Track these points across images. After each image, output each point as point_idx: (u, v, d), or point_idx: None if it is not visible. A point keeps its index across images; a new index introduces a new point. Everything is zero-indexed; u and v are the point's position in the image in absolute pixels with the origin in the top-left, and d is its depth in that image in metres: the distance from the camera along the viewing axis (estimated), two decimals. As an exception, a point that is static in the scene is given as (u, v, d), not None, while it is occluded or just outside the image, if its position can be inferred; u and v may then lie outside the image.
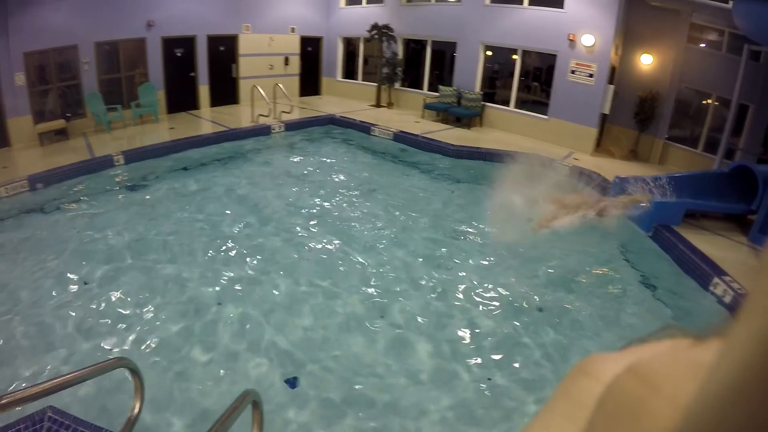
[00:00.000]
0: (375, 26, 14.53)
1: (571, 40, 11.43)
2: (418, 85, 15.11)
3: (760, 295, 0.20)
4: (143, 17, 13.13)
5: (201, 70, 14.32)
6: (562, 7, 11.64)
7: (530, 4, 12.26)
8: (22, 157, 11.01)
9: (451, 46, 14.00)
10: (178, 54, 13.91)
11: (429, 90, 14.66)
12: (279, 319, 5.03)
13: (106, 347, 4.61)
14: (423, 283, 5.80)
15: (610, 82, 11.34)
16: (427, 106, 13.62)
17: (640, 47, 11.28)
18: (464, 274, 6.03)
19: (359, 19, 15.51)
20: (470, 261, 6.41)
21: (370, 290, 5.58)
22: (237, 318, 5.03)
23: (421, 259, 6.34)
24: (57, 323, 4.82)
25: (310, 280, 5.70)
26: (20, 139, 11.85)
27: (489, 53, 13.53)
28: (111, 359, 3.13)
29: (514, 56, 12.85)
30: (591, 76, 11.27)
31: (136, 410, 3.12)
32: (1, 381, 4.20)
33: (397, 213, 7.72)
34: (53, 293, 5.31)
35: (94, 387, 4.00)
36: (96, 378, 3.36)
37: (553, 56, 11.96)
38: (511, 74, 12.99)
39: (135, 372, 3.10)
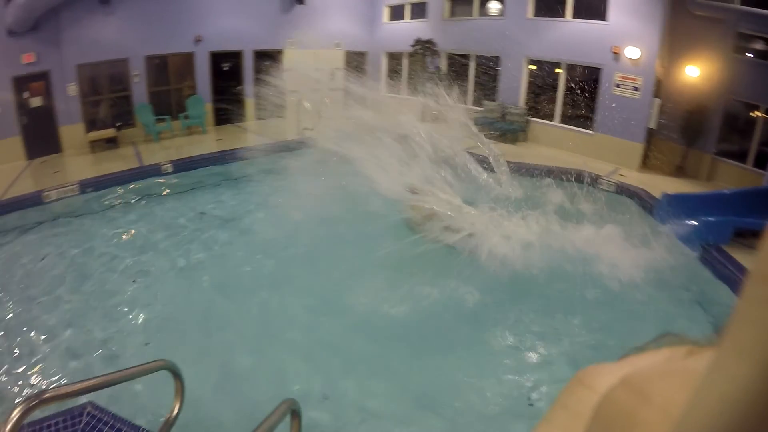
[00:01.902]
0: (418, 41, 15.51)
1: (615, 52, 11.82)
2: (462, 100, 15.15)
3: (750, 304, 0.22)
4: (192, 32, 14.57)
5: (247, 84, 15.86)
6: (605, 19, 12.04)
7: (573, 16, 12.68)
8: (73, 163, 12.38)
9: (495, 61, 14.55)
10: (225, 68, 15.47)
11: (473, 105, 15.11)
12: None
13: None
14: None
15: (656, 95, 11.59)
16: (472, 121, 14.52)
17: (685, 59, 11.45)
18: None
19: (403, 34, 16.45)
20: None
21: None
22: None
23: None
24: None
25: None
26: (72, 146, 13.33)
27: (533, 67, 13.95)
28: (154, 361, 3.31)
29: (558, 70, 13.28)
30: (636, 89, 11.61)
31: (175, 412, 3.31)
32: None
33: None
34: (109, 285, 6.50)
35: (134, 386, 4.35)
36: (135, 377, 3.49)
37: (598, 70, 12.32)
38: (555, 88, 13.41)
39: (176, 374, 3.28)
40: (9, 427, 2.14)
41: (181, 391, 3.28)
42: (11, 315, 5.98)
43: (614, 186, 10.17)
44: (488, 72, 14.97)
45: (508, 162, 10.78)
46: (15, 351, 5.36)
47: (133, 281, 6.59)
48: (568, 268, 6.10)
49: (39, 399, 2.31)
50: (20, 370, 5.13)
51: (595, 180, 10.43)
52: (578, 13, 12.59)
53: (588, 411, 0.35)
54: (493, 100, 14.45)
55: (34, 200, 9.58)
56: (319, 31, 16.49)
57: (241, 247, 7.66)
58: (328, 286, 6.12)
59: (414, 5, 16.50)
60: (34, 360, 5.24)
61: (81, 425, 3.79)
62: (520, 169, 10.67)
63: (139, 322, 5.82)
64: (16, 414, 2.18)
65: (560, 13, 12.89)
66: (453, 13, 15.62)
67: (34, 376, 5.03)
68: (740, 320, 0.22)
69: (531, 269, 6.02)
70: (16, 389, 4.87)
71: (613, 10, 11.87)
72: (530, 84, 14.08)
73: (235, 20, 15.17)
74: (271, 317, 5.74)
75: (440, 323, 5.61)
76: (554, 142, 13.18)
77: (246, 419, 4.11)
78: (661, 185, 9.81)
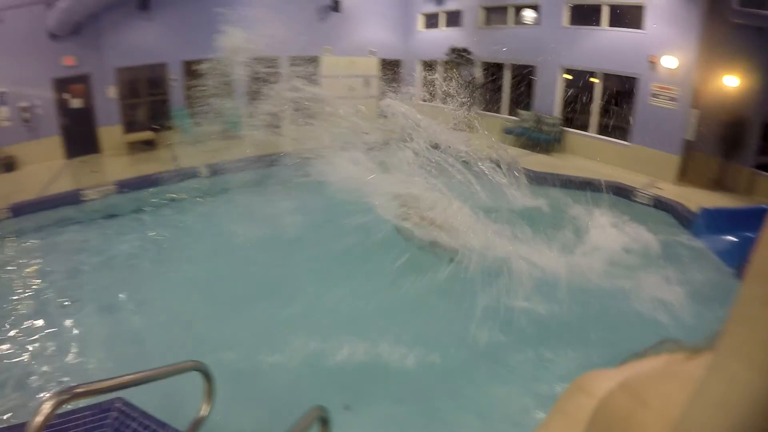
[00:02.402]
0: (453, 49, 15.77)
1: (652, 62, 11.74)
2: (496, 109, 15.80)
3: (747, 304, 0.22)
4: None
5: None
6: (642, 28, 11.97)
7: (609, 25, 12.63)
8: (112, 163, 12.98)
9: (530, 70, 14.59)
10: (262, 74, 15.98)
11: (508, 114, 15.37)
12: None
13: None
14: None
15: (694, 106, 11.39)
16: (507, 131, 14.35)
17: (724, 68, 11.16)
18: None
19: (437, 42, 16.71)
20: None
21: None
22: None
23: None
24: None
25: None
26: (110, 146, 13.95)
27: (568, 76, 13.96)
28: (186, 361, 3.38)
29: (594, 79, 13.21)
30: (673, 99, 11.50)
31: (205, 412, 3.40)
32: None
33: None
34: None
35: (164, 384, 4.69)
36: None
37: (634, 79, 12.24)
38: (591, 98, 13.33)
39: (207, 376, 3.35)
40: (41, 418, 2.18)
41: (211, 392, 3.37)
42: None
43: (650, 199, 10.13)
44: (523, 81, 15.04)
45: (545, 173, 10.99)
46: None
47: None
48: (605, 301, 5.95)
49: (71, 393, 2.37)
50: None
51: (630, 192, 10.50)
52: (614, 22, 12.57)
53: (586, 416, 0.37)
54: (528, 110, 14.53)
55: (72, 198, 10.26)
56: (353, 38, 16.95)
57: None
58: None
59: (449, 13, 16.73)
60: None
61: (109, 420, 3.93)
62: (551, 180, 10.68)
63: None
64: (48, 406, 2.23)
65: (596, 22, 12.89)
66: (488, 22, 15.76)
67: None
68: (737, 320, 0.22)
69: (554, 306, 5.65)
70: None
71: (650, 18, 11.81)
72: (565, 93, 14.09)
73: (271, 27, 15.67)
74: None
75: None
76: (589, 152, 13.12)
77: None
78: (698, 199, 9.73)
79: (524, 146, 13.95)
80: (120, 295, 6.65)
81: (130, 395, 3.84)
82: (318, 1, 16.39)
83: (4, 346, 5.86)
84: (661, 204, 9.93)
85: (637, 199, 10.30)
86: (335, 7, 16.48)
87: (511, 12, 14.99)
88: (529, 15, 14.49)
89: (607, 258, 6.75)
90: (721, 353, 0.23)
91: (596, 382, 0.40)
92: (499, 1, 15.10)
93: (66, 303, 6.60)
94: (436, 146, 9.99)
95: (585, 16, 13.22)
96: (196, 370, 3.30)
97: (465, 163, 9.60)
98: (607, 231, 7.36)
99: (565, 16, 13.57)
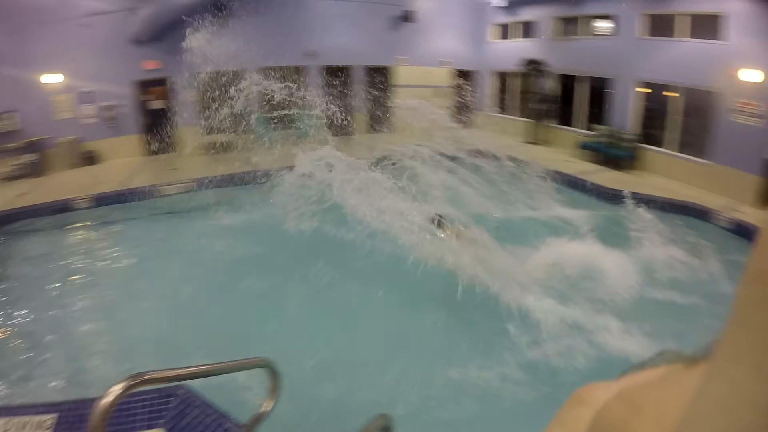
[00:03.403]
0: (526, 60, 15.95)
1: (733, 75, 11.34)
2: (570, 123, 15.80)
3: (744, 306, 0.23)
4: (304, 47, 16.23)
5: (357, 99, 17.12)
6: (723, 39, 11.58)
7: (688, 36, 12.29)
8: (190, 162, 14.12)
9: (605, 82, 14.49)
10: (337, 82, 16.97)
11: (583, 128, 15.28)
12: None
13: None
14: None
15: None
16: (582, 146, 14.32)
17: None
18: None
19: (511, 53, 16.98)
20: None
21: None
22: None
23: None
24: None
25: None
26: (189, 147, 15.13)
27: (645, 90, 13.69)
28: (254, 358, 3.48)
29: (671, 93, 12.92)
30: (757, 116, 11.05)
31: (267, 409, 3.45)
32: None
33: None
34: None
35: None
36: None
37: (714, 94, 11.82)
38: (668, 113, 13.02)
39: (275, 373, 3.41)
40: (110, 399, 2.30)
41: (276, 390, 3.43)
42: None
43: (729, 223, 9.86)
44: (598, 94, 14.98)
45: (618, 190, 10.61)
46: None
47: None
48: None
49: (141, 378, 2.47)
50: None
51: (707, 215, 10.36)
52: (693, 32, 12.21)
53: (585, 427, 0.39)
54: (603, 124, 14.44)
55: (150, 193, 11.52)
56: (426, 49, 17.61)
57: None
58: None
59: (522, 24, 17.01)
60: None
61: (171, 405, 4.15)
62: (624, 198, 10.18)
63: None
64: (117, 389, 2.33)
65: (673, 33, 12.63)
66: (562, 33, 15.86)
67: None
68: (736, 323, 0.23)
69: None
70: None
71: (732, 28, 11.42)
72: (641, 108, 13.89)
73: (346, 36, 16.62)
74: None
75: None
76: (665, 170, 12.88)
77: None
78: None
79: (599, 162, 13.87)
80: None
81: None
82: (391, 11, 17.10)
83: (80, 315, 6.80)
84: (740, 229, 9.56)
85: (715, 222, 10.12)
86: (408, 17, 17.14)
87: (585, 22, 15.04)
88: (603, 25, 14.49)
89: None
90: (720, 356, 0.24)
91: (595, 394, 0.43)
92: (573, 11, 15.12)
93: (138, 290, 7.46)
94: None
95: (662, 26, 13.00)
96: (263, 367, 3.39)
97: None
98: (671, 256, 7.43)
99: (641, 26, 13.42)
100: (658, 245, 7.84)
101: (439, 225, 7.83)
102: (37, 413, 4.33)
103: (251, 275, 7.63)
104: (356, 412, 4.14)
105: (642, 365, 0.43)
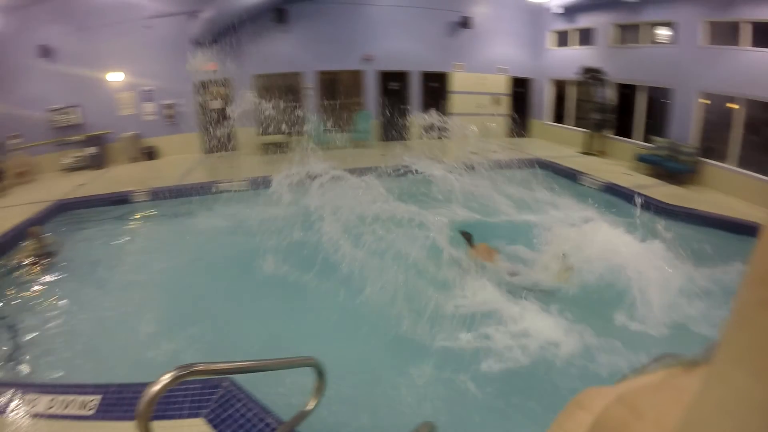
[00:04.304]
0: (585, 69, 15.79)
1: None
2: (628, 134, 15.40)
3: (744, 308, 0.23)
4: (362, 52, 16.48)
5: (414, 104, 17.33)
6: None
7: (752, 44, 11.79)
8: (246, 161, 14.87)
9: (665, 93, 14.07)
10: (393, 87, 17.13)
11: (642, 140, 14.86)
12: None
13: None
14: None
15: None
16: (640, 158, 13.89)
17: None
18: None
19: (568, 61, 16.83)
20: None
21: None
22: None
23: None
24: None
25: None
26: (246, 146, 15.95)
27: (705, 101, 13.23)
28: (301, 357, 3.54)
29: (733, 105, 12.44)
30: None
31: (310, 407, 3.51)
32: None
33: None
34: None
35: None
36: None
37: None
38: (730, 126, 12.50)
39: (321, 373, 3.46)
40: (159, 387, 2.39)
41: (321, 389, 3.49)
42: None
43: None
44: (657, 105, 14.67)
45: (678, 207, 10.54)
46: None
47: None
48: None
49: (190, 369, 2.58)
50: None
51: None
52: (759, 41, 11.69)
53: None
54: (662, 136, 14.09)
55: (207, 189, 12.06)
56: (483, 55, 17.74)
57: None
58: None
59: (581, 31, 16.89)
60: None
61: (216, 396, 4.26)
62: (683, 215, 10.33)
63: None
64: (167, 378, 2.43)
65: (737, 41, 12.16)
66: (621, 40, 15.63)
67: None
68: (736, 325, 0.23)
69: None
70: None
71: None
72: (702, 120, 13.41)
73: (403, 42, 16.84)
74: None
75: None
76: (727, 187, 12.35)
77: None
78: None
79: (657, 175, 13.47)
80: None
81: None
82: (449, 17, 17.27)
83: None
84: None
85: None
86: (465, 23, 17.24)
87: (645, 30, 14.79)
88: (663, 33, 14.22)
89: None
90: (720, 358, 0.24)
91: (594, 399, 0.43)
92: (632, 17, 14.91)
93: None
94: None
95: (725, 34, 12.56)
96: (309, 366, 3.45)
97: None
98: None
99: (703, 34, 13.00)
100: (719, 264, 7.54)
101: (468, 241, 7.96)
102: (82, 393, 4.52)
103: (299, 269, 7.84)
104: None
105: (641, 370, 0.43)
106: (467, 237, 8.05)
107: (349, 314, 6.48)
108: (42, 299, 7.52)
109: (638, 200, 10.50)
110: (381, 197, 9.28)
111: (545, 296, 6.72)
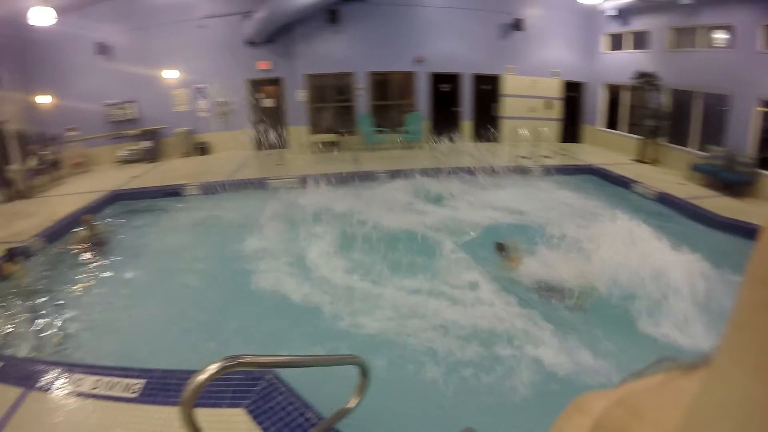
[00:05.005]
0: (639, 73, 15.48)
1: None
2: (683, 142, 14.87)
3: (745, 309, 0.23)
4: (413, 53, 16.64)
5: (464, 106, 17.47)
6: None
7: None
8: (296, 159, 15.28)
9: (722, 100, 13.52)
10: (444, 89, 17.18)
11: (697, 149, 14.31)
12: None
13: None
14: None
15: None
16: (695, 167, 13.43)
17: None
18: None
19: (622, 65, 16.52)
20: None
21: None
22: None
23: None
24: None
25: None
26: (296, 144, 16.39)
27: (765, 109, 12.66)
28: (346, 354, 3.62)
29: None
30: None
31: (352, 405, 3.52)
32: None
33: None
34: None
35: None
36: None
37: None
38: None
39: (365, 373, 3.47)
40: (205, 376, 2.43)
41: (363, 388, 3.49)
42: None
43: None
44: (713, 112, 14.11)
45: (733, 220, 10.18)
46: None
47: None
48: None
49: (237, 361, 2.62)
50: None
51: None
52: None
53: None
54: (720, 146, 13.50)
55: (259, 184, 12.52)
56: (536, 58, 17.74)
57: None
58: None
59: (635, 34, 16.55)
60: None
61: (258, 388, 4.33)
62: (738, 229, 9.81)
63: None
64: (214, 368, 2.47)
65: None
66: (677, 44, 15.17)
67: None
68: (736, 326, 0.23)
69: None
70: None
71: None
72: (760, 129, 12.83)
73: (455, 44, 16.92)
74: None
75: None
76: None
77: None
78: None
79: (712, 186, 12.97)
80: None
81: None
82: (501, 19, 17.30)
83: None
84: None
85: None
86: (518, 25, 17.22)
87: (701, 34, 14.29)
88: (719, 37, 13.72)
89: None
90: (721, 359, 0.24)
91: (594, 402, 0.43)
92: (688, 21, 14.44)
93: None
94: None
95: None
96: (354, 364, 3.46)
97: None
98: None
99: (762, 38, 12.48)
100: None
101: (503, 251, 7.97)
102: (127, 376, 4.72)
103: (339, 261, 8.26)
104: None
105: (640, 373, 0.43)
106: (503, 248, 8.06)
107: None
108: (92, 284, 8.04)
109: (691, 212, 10.50)
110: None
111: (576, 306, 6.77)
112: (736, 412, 0.22)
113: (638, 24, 16.32)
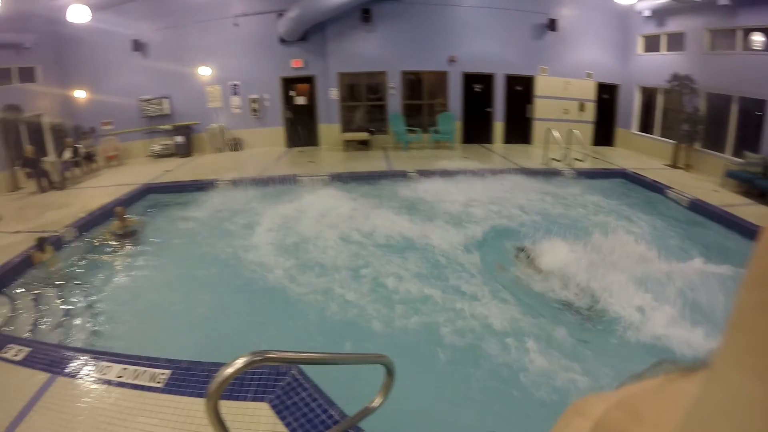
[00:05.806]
0: (675, 76, 15.21)
1: None
2: (719, 148, 14.58)
3: (744, 311, 0.23)
4: (446, 53, 16.73)
5: (497, 107, 17.50)
6: None
7: None
8: (327, 156, 15.64)
9: (760, 104, 13.25)
10: (477, 89, 17.20)
11: (733, 155, 14.01)
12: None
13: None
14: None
15: None
16: (729, 174, 13.18)
17: None
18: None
19: (658, 68, 16.24)
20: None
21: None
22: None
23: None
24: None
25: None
26: (328, 142, 16.93)
27: None
28: (372, 353, 3.61)
29: None
30: None
31: (376, 404, 3.56)
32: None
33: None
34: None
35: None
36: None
37: None
38: None
39: (391, 372, 3.50)
40: (232, 370, 2.49)
41: (388, 387, 3.54)
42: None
43: None
44: (750, 117, 13.80)
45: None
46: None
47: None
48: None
49: (264, 356, 2.66)
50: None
51: None
52: None
53: None
54: (756, 152, 13.17)
55: (290, 181, 12.77)
56: (569, 59, 17.65)
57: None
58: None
59: (671, 36, 16.27)
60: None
61: (282, 383, 4.37)
62: None
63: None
64: (241, 362, 2.53)
65: None
66: (714, 46, 14.83)
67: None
68: (735, 328, 0.23)
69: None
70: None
71: None
72: None
73: (488, 44, 16.94)
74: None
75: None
76: None
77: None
78: None
79: (748, 194, 12.66)
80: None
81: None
82: (534, 19, 17.26)
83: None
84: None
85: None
86: (552, 26, 17.15)
87: (740, 35, 13.87)
88: (757, 39, 13.25)
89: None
90: (720, 361, 0.24)
91: (593, 405, 0.43)
92: (725, 22, 14.08)
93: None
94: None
95: None
96: (380, 363, 3.48)
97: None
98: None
99: None
100: None
101: (523, 255, 7.96)
102: (153, 366, 4.83)
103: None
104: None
105: (639, 375, 0.43)
106: (524, 252, 8.10)
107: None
108: (123, 275, 8.33)
109: (725, 220, 10.35)
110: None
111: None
112: (736, 413, 0.22)
113: (674, 25, 16.02)
